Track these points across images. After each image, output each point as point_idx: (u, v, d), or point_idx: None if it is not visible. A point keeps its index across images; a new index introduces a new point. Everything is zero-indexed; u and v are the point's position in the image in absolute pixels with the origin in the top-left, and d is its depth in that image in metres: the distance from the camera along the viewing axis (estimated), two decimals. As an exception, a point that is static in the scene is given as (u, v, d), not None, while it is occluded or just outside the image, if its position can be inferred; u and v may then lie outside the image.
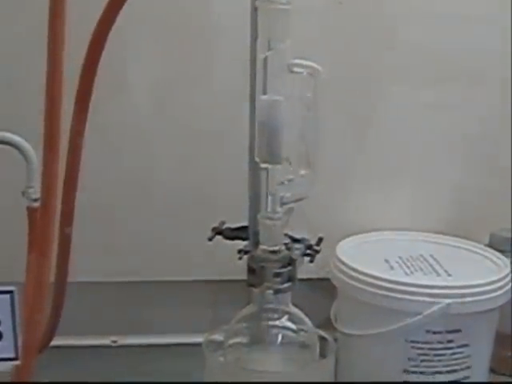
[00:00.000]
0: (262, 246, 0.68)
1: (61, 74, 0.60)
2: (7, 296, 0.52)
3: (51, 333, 0.76)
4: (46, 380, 0.77)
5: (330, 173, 0.99)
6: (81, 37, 0.68)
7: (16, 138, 0.82)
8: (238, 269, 0.73)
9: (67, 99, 0.63)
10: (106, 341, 1.07)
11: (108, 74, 0.72)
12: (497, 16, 1.01)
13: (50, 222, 0.56)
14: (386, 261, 0.96)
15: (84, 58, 0.69)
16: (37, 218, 0.68)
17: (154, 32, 0.99)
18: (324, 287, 1.00)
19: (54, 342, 0.82)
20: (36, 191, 0.82)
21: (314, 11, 0.97)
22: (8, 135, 0.82)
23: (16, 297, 0.53)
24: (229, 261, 0.78)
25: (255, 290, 0.68)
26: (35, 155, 0.81)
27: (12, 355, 0.52)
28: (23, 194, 0.83)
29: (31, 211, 0.83)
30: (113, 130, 1.00)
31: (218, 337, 0.71)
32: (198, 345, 0.74)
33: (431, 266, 0.95)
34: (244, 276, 0.70)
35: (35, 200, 0.82)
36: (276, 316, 0.69)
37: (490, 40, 1.02)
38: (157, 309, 1.07)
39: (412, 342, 0.87)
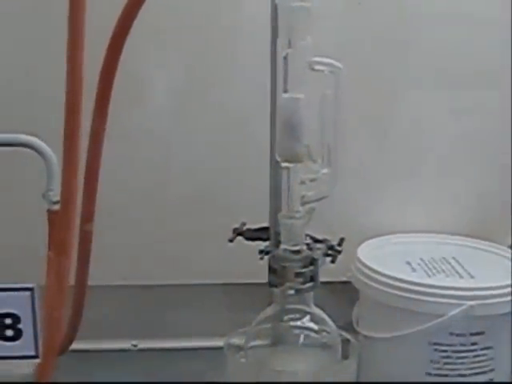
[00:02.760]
0: (283, 246, 0.68)
1: (81, 78, 0.60)
2: (27, 293, 0.52)
3: (72, 334, 0.76)
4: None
5: (350, 175, 0.98)
6: (100, 40, 0.68)
7: (36, 141, 0.82)
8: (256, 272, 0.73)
9: (87, 102, 0.64)
10: (127, 344, 1.08)
11: (126, 79, 0.72)
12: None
13: (70, 221, 0.56)
14: (408, 263, 0.96)
15: (103, 60, 0.69)
16: (57, 220, 0.68)
17: (172, 35, 0.99)
18: (345, 290, 0.99)
19: (74, 346, 0.83)
20: (56, 194, 0.82)
21: (333, 12, 0.97)
22: (29, 138, 0.82)
23: (36, 294, 0.53)
24: (248, 264, 0.78)
25: (277, 290, 0.68)
26: (55, 158, 0.81)
27: (32, 353, 0.52)
28: (43, 196, 0.83)
29: (51, 214, 0.83)
30: (130, 134, 1.00)
31: (239, 339, 0.71)
32: (219, 348, 0.74)
33: (453, 267, 0.95)
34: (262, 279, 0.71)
35: (55, 203, 0.82)
36: (298, 316, 0.69)
37: (507, 43, 1.01)
38: (177, 312, 1.07)
39: (435, 344, 0.87)
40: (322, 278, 0.71)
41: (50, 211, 0.83)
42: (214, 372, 0.80)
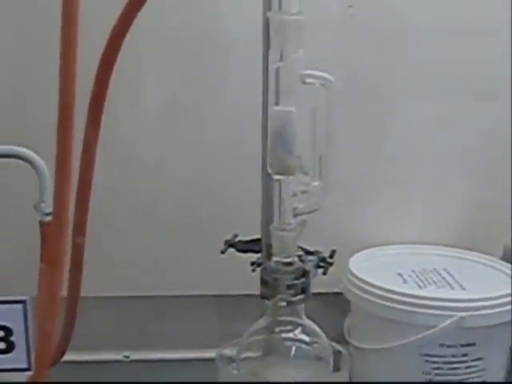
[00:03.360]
0: (274, 258, 0.68)
1: (73, 88, 0.60)
2: (20, 306, 0.52)
3: (64, 346, 0.76)
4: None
5: (343, 187, 0.99)
6: (93, 51, 0.68)
7: (29, 153, 0.82)
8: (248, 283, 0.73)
9: (79, 113, 0.64)
10: (119, 356, 1.07)
11: (118, 88, 0.72)
12: (508, 31, 1.00)
13: (62, 232, 0.56)
14: (399, 274, 0.96)
15: (96, 71, 0.69)
16: (49, 232, 0.68)
17: (165, 45, 0.99)
18: (336, 302, 0.99)
19: (67, 357, 0.83)
20: (48, 205, 0.82)
21: (326, 25, 0.97)
22: (21, 150, 0.82)
23: (29, 306, 0.53)
24: (240, 275, 0.78)
25: (268, 303, 0.68)
26: (47, 170, 0.81)
27: (25, 366, 0.52)
28: (35, 208, 0.83)
29: (43, 225, 0.83)
30: (124, 143, 1.00)
31: (231, 350, 0.71)
32: (211, 360, 0.74)
33: (444, 279, 0.95)
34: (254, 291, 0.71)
35: (47, 214, 0.82)
36: (289, 328, 0.69)
37: (501, 54, 1.02)
38: (168, 323, 1.07)
39: (426, 355, 0.87)
40: (314, 290, 0.71)
41: (42, 222, 0.83)
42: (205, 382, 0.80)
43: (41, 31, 0.89)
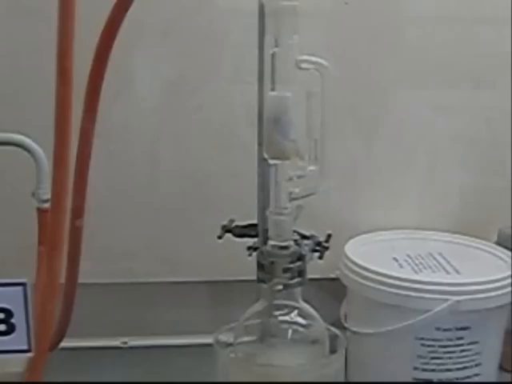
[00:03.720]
0: (271, 242, 0.68)
1: (70, 75, 0.60)
2: (20, 288, 0.52)
3: (62, 331, 0.77)
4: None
5: (339, 173, 1.00)
6: (89, 39, 0.69)
7: (26, 140, 0.83)
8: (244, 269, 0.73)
9: (76, 101, 0.64)
10: (117, 342, 1.08)
11: (114, 79, 0.73)
12: (505, 19, 1.01)
13: (61, 217, 0.56)
14: (395, 259, 0.97)
15: (93, 58, 0.70)
16: (47, 218, 0.69)
17: (160, 34, 1.00)
18: (333, 287, 1.00)
19: (64, 344, 0.83)
20: (46, 192, 0.83)
21: (320, 13, 0.98)
22: (18, 137, 0.83)
23: (28, 289, 0.53)
24: (236, 261, 0.79)
25: (265, 286, 0.68)
26: (45, 157, 0.82)
27: (25, 347, 0.53)
28: (33, 195, 0.84)
29: (41, 212, 0.84)
30: (119, 131, 1.01)
31: (228, 334, 0.71)
32: (208, 345, 0.74)
33: (440, 263, 0.96)
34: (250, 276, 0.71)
35: (45, 201, 0.83)
36: (286, 311, 0.69)
37: (498, 43, 1.03)
38: (165, 309, 1.08)
39: (421, 339, 0.88)
40: (311, 275, 0.72)
41: (39, 209, 0.84)
42: (203, 368, 0.81)
43: (38, 21, 0.90)
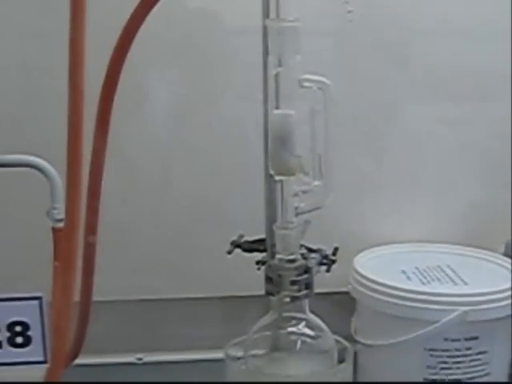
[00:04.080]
0: (278, 256, 0.70)
1: (81, 97, 0.63)
2: (36, 302, 0.54)
3: (78, 347, 0.79)
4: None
5: (347, 187, 1.02)
6: (100, 60, 0.71)
7: (40, 162, 0.85)
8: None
9: (87, 119, 0.66)
10: (132, 358, 1.09)
11: (125, 99, 0.75)
12: (510, 32, 1.02)
13: (74, 233, 0.58)
14: (403, 272, 0.98)
15: (104, 78, 0.72)
16: (61, 236, 0.71)
17: (171, 53, 1.02)
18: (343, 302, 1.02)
19: (79, 361, 0.84)
20: (60, 212, 0.85)
21: (325, 30, 0.99)
22: (32, 159, 0.85)
23: (44, 303, 0.55)
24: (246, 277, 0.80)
25: (273, 299, 0.70)
26: (58, 178, 0.84)
27: (41, 359, 0.55)
28: (47, 214, 0.86)
29: (56, 231, 0.86)
30: (129, 147, 1.02)
31: (239, 347, 0.73)
32: (220, 360, 0.76)
33: (448, 275, 0.97)
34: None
35: (59, 220, 0.85)
36: (294, 323, 0.71)
37: (504, 56, 1.03)
38: (179, 325, 1.09)
39: (431, 350, 0.89)
40: (323, 289, 0.74)
41: (54, 229, 0.86)
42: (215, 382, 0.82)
43: (50, 42, 0.92)
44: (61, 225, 0.83)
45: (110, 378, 1.05)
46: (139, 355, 1.09)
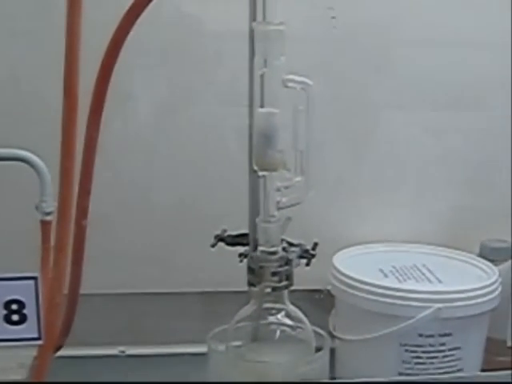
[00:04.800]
0: (260, 248, 0.73)
1: (76, 89, 0.65)
2: (32, 282, 0.57)
3: (68, 326, 0.80)
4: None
5: (330, 188, 1.05)
6: (93, 58, 0.74)
7: (30, 155, 0.86)
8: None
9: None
10: (115, 351, 1.11)
11: (113, 97, 0.77)
12: (493, 43, 1.05)
13: (67, 223, 0.61)
14: (381, 270, 1.00)
15: (99, 70, 0.74)
16: (50, 230, 0.73)
17: (157, 51, 1.04)
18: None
19: (63, 353, 0.86)
20: (49, 205, 0.86)
21: (308, 36, 1.02)
22: (22, 152, 0.86)
23: (39, 283, 0.58)
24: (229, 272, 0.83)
25: (254, 289, 0.73)
26: (48, 171, 0.85)
27: (36, 335, 0.58)
28: (37, 208, 0.87)
29: (45, 224, 0.87)
30: (117, 142, 1.03)
31: (221, 335, 0.75)
32: (204, 354, 0.78)
33: (424, 274, 0.99)
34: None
35: (48, 213, 0.86)
36: (274, 313, 0.74)
37: (486, 66, 1.06)
38: (162, 319, 1.10)
39: (405, 345, 0.91)
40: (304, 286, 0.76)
41: (43, 222, 0.87)
42: (198, 376, 0.84)
43: (44, 32, 0.94)
44: (49, 218, 0.84)
45: (93, 370, 1.07)
46: (122, 348, 1.11)
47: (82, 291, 0.84)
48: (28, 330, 0.57)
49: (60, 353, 0.87)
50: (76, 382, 0.96)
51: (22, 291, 0.57)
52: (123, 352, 1.11)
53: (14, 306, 0.57)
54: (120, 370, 1.08)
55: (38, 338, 0.57)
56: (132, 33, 0.74)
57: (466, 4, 1.06)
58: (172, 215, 1.07)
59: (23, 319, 0.57)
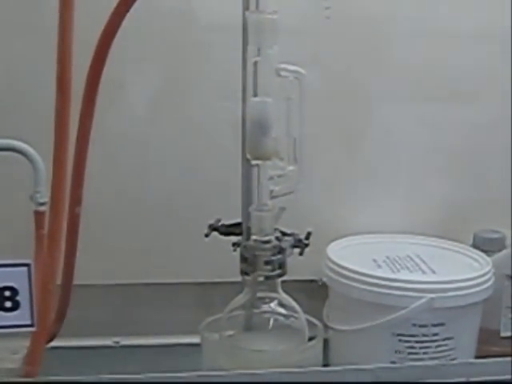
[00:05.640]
0: (253, 237, 0.73)
1: (69, 80, 0.65)
2: (25, 268, 0.57)
3: (59, 321, 0.81)
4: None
5: (324, 179, 1.05)
6: (86, 48, 0.74)
7: (24, 146, 0.86)
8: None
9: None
10: (109, 342, 1.11)
11: (106, 89, 0.77)
12: (487, 35, 1.05)
13: (59, 213, 0.61)
14: (374, 260, 1.01)
15: (91, 61, 0.74)
16: (44, 220, 0.73)
17: (152, 40, 1.03)
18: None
19: (57, 343, 0.87)
20: (43, 195, 0.86)
21: (302, 27, 1.02)
22: (16, 143, 0.86)
23: (32, 269, 0.58)
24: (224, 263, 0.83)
25: (247, 278, 0.73)
26: (42, 162, 0.86)
27: (29, 322, 0.58)
28: (31, 198, 0.87)
29: (38, 214, 0.87)
30: (110, 133, 1.02)
31: (215, 323, 0.76)
32: (198, 345, 0.79)
33: (417, 264, 0.99)
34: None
35: (42, 204, 0.86)
36: (267, 301, 0.74)
37: (479, 58, 1.06)
38: (157, 310, 1.11)
39: (399, 335, 0.91)
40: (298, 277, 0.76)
41: (36, 212, 0.88)
42: (192, 366, 0.84)
43: (37, 24, 0.94)
44: (43, 208, 0.84)
45: (87, 360, 1.07)
46: (116, 339, 1.11)
47: (76, 282, 0.84)
48: (21, 316, 0.57)
49: (54, 343, 0.88)
50: (70, 374, 0.96)
51: (15, 278, 0.57)
52: (117, 343, 1.11)
53: (7, 293, 0.57)
54: (114, 360, 1.08)
55: (31, 325, 0.58)
56: (124, 25, 0.74)
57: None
58: (165, 205, 1.07)
59: (16, 306, 0.57)
